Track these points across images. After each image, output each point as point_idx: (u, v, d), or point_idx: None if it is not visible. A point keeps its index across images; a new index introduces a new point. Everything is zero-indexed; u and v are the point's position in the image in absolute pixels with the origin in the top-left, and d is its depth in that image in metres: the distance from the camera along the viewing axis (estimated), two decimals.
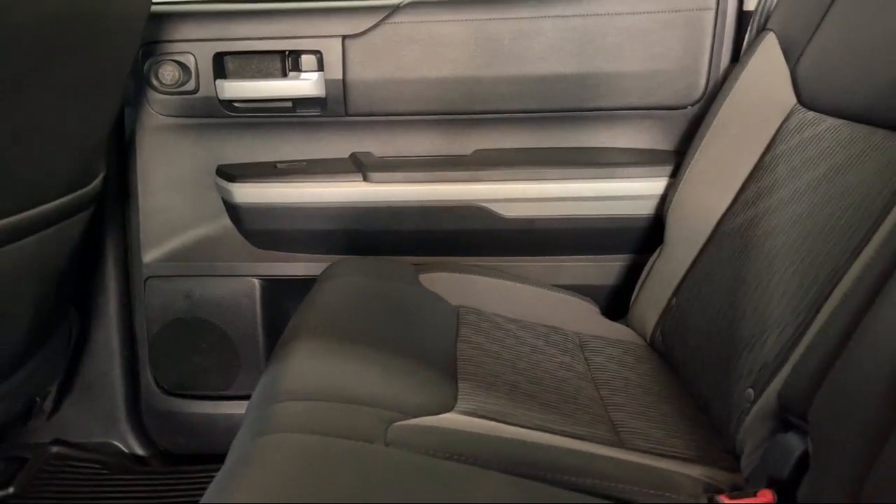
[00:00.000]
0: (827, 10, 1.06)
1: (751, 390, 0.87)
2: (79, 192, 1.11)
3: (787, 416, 0.77)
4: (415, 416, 0.82)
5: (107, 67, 1.06)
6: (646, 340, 1.22)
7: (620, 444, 0.88)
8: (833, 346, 0.71)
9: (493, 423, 0.85)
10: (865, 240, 0.79)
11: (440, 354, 1.01)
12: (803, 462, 0.73)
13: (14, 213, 0.95)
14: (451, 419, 0.84)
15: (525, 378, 0.99)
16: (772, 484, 0.76)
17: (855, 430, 0.63)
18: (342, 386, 0.87)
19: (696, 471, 0.84)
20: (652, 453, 0.87)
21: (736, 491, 0.78)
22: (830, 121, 0.99)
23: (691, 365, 1.07)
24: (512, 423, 0.86)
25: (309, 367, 0.92)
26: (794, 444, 0.75)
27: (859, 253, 0.79)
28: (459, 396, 0.90)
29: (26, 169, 0.96)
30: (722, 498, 0.76)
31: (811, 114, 1.03)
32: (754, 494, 0.76)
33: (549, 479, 0.75)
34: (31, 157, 0.96)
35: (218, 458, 1.42)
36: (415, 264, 1.31)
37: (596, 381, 1.05)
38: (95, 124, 1.10)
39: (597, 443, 0.86)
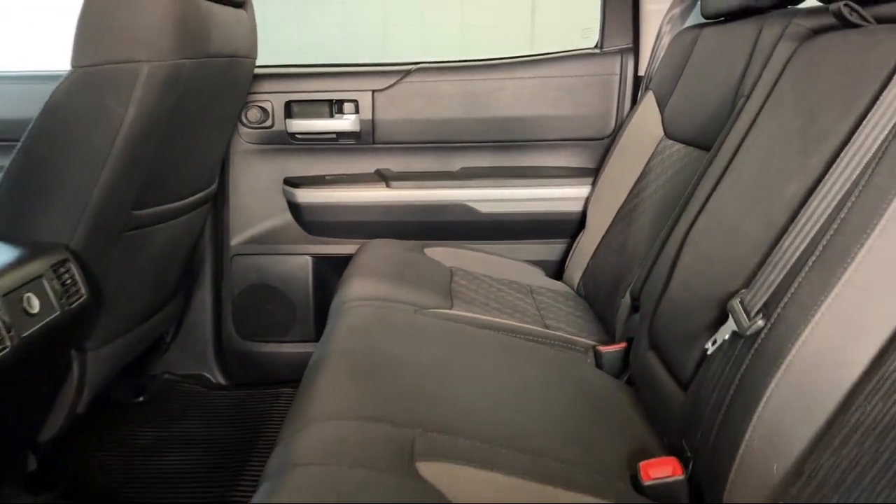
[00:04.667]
0: (678, 79, 1.72)
1: (622, 299, 1.50)
2: (209, 189, 1.73)
3: (635, 303, 1.40)
4: (432, 309, 1.44)
5: (233, 107, 1.70)
6: (573, 290, 1.85)
7: (546, 328, 1.50)
8: (652, 261, 1.35)
9: (476, 316, 1.47)
10: (681, 210, 1.42)
11: (440, 288, 1.62)
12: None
13: (185, 198, 1.57)
14: (451, 311, 1.46)
15: (494, 302, 1.61)
16: (628, 341, 1.39)
17: (652, 297, 1.26)
18: (384, 296, 1.48)
19: (590, 340, 1.47)
20: (566, 334, 1.49)
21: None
22: (677, 146, 1.64)
23: (597, 298, 1.70)
24: (485, 316, 1.48)
25: (362, 287, 1.53)
26: (637, 317, 1.37)
27: (679, 218, 1.42)
28: (454, 305, 1.52)
29: (192, 171, 1.59)
30: (599, 347, 1.39)
31: (669, 142, 1.69)
32: (617, 344, 1.39)
33: (503, 333, 1.38)
34: (195, 164, 1.59)
35: (276, 384, 2.01)
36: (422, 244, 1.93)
37: (538, 307, 1.67)
38: (221, 144, 1.74)
39: (532, 325, 1.48)
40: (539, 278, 1.89)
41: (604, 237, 1.79)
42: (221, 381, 2.07)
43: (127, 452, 1.67)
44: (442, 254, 1.87)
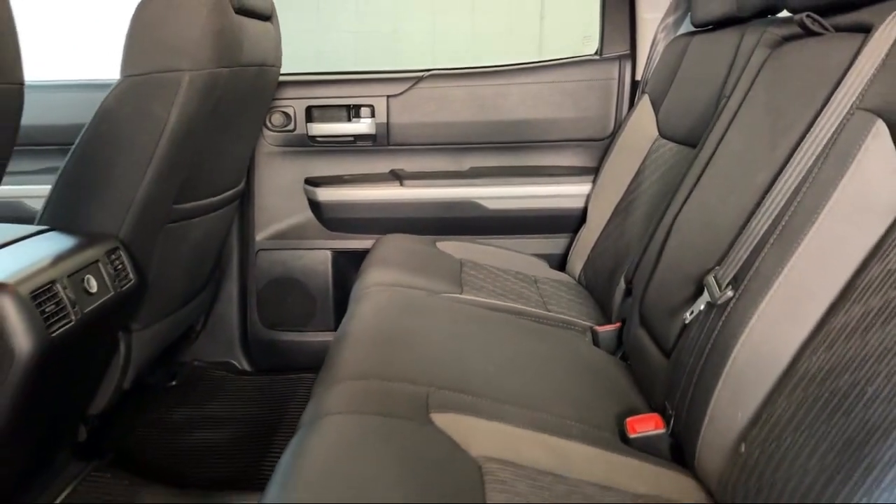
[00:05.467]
0: (671, 83, 1.85)
1: (618, 285, 1.63)
2: (238, 188, 1.88)
3: (629, 287, 1.53)
4: (444, 294, 1.58)
5: (260, 112, 1.85)
6: (575, 279, 1.98)
7: (548, 312, 1.63)
8: (643, 248, 1.48)
9: (483, 300, 1.61)
10: (669, 202, 1.56)
11: (451, 277, 1.76)
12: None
13: (217, 195, 1.72)
14: (461, 296, 1.60)
15: (501, 289, 1.75)
16: (622, 322, 1.52)
17: (643, 279, 1.40)
18: (400, 282, 1.62)
19: (588, 322, 1.60)
20: (566, 317, 1.62)
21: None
22: (670, 144, 1.77)
23: (596, 285, 1.83)
24: (493, 300, 1.62)
25: (379, 275, 1.67)
26: (630, 300, 1.51)
27: (668, 207, 1.56)
28: (464, 291, 1.66)
29: (224, 170, 1.74)
30: (596, 327, 1.52)
31: (663, 141, 1.82)
32: (612, 324, 1.52)
33: (508, 314, 1.51)
34: (227, 164, 1.74)
35: (299, 371, 2.15)
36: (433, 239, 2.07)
37: (542, 295, 1.80)
38: (249, 146, 1.89)
39: (535, 309, 1.62)
40: (543, 270, 2.02)
41: (603, 230, 1.93)
42: (247, 367, 2.22)
43: (163, 429, 1.82)
44: (452, 247, 2.01)
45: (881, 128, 0.92)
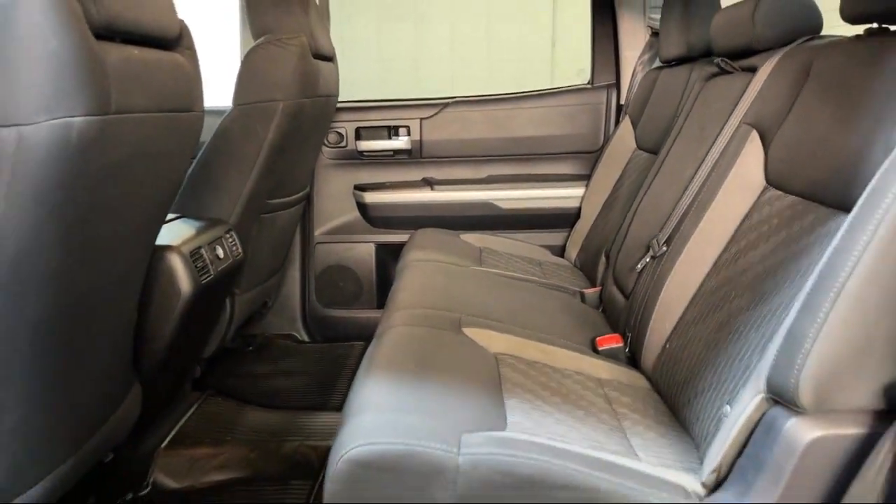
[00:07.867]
0: (645, 107, 2.36)
1: (600, 260, 2.13)
2: (306, 191, 2.40)
3: (607, 260, 2.03)
4: (469, 266, 2.09)
5: (324, 132, 2.37)
6: (571, 263, 2.48)
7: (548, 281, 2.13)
8: (617, 231, 1.98)
9: (498, 271, 2.11)
10: (633, 196, 2.05)
11: (474, 259, 2.26)
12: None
13: (289, 196, 2.24)
14: (481, 269, 2.10)
15: (512, 268, 2.25)
16: (602, 286, 2.01)
17: (615, 251, 1.89)
18: (433, 259, 2.13)
19: (578, 289, 2.09)
20: (561, 284, 2.12)
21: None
22: (644, 154, 2.27)
23: (587, 265, 2.33)
24: (509, 270, 2.12)
25: (417, 255, 2.17)
26: (609, 270, 2.00)
27: (634, 198, 2.05)
28: (482, 266, 2.16)
29: (299, 175, 2.26)
30: (583, 290, 2.02)
31: (639, 152, 2.32)
32: (596, 288, 2.02)
33: (517, 280, 2.01)
34: (301, 171, 2.26)
35: (349, 340, 2.66)
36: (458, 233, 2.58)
37: (543, 272, 2.30)
38: (315, 158, 2.41)
39: (538, 279, 2.12)
40: (546, 256, 2.53)
41: (593, 224, 2.43)
42: (306, 338, 2.73)
43: (250, 378, 2.33)
44: (473, 238, 2.51)
45: (754, 135, 1.42)
